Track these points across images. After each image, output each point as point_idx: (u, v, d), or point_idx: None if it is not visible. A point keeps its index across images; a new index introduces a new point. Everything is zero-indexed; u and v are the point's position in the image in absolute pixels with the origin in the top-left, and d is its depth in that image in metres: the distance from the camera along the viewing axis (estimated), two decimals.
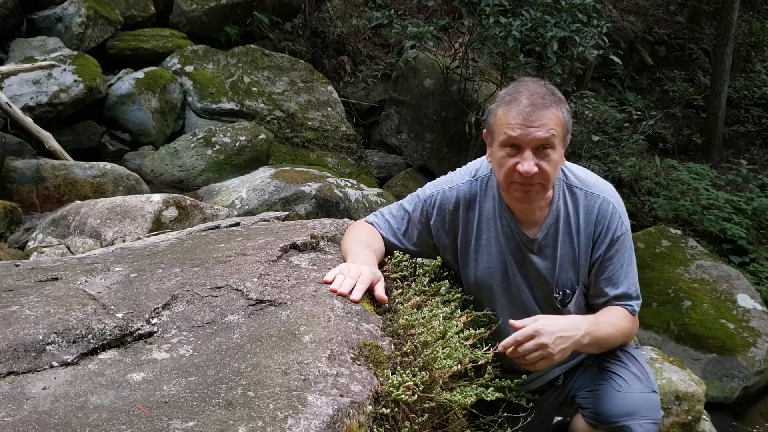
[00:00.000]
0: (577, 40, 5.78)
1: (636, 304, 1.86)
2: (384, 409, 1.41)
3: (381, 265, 1.90)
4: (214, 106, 6.50)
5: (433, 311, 1.73)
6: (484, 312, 1.90)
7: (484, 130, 1.85)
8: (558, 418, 2.23)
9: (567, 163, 1.89)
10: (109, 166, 4.58)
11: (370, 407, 1.39)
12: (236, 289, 1.68)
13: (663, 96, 10.12)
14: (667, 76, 10.30)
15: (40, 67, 5.44)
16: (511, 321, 1.69)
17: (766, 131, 9.66)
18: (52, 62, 5.53)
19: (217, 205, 4.27)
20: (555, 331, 1.64)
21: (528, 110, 1.68)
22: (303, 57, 7.48)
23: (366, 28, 8.14)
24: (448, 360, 1.57)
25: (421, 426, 1.50)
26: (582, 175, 1.89)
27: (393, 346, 1.60)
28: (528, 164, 1.69)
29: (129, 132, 6.05)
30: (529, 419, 1.76)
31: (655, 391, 1.85)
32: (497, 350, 1.65)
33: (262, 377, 1.35)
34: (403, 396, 1.45)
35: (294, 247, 1.97)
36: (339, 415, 1.30)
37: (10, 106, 5.00)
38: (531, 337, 1.62)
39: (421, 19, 7.73)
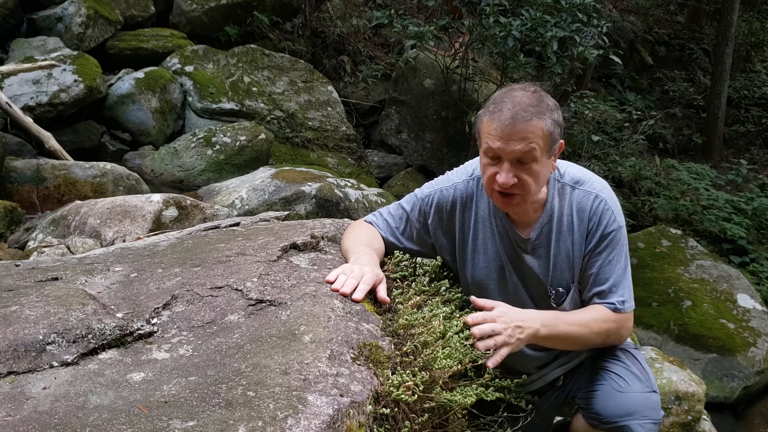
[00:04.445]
0: (577, 40, 5.78)
1: (618, 302, 1.80)
2: (384, 409, 1.41)
3: (381, 265, 1.90)
4: (214, 106, 6.51)
5: (433, 311, 1.73)
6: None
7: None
8: (558, 418, 2.22)
9: (562, 162, 1.88)
10: (109, 166, 4.58)
11: (370, 407, 1.39)
12: (236, 289, 1.68)
13: (663, 96, 10.12)
14: (667, 76, 10.30)
15: (40, 67, 5.44)
16: (473, 298, 1.73)
17: (766, 131, 9.67)
18: (52, 62, 5.53)
19: (217, 205, 4.28)
20: (512, 319, 1.67)
21: (507, 123, 1.67)
22: (303, 57, 7.48)
23: (366, 28, 8.15)
24: (448, 360, 1.57)
25: (421, 426, 1.50)
26: (577, 173, 1.88)
27: (393, 346, 1.60)
28: (505, 176, 1.69)
29: (129, 132, 6.05)
30: (529, 419, 1.76)
31: (655, 391, 1.85)
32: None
33: (262, 377, 1.35)
34: (403, 396, 1.45)
35: (294, 247, 1.97)
36: (339, 415, 1.30)
37: (11, 106, 5.00)
38: (485, 321, 1.66)
39: (421, 19, 7.74)
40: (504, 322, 1.66)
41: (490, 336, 1.63)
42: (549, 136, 1.71)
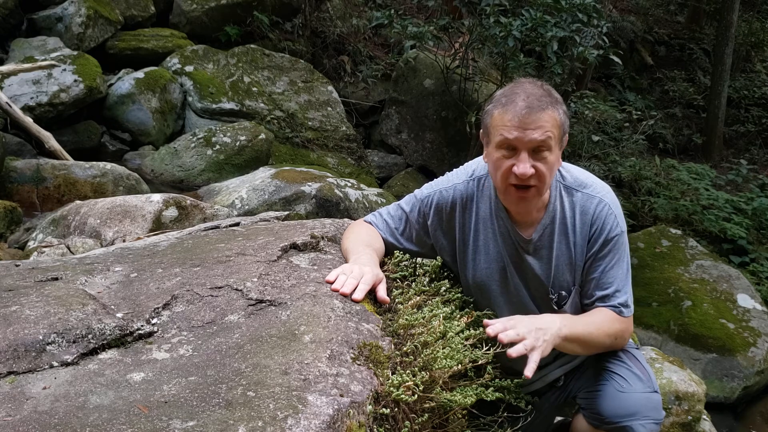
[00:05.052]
0: (577, 40, 5.78)
1: (622, 305, 1.82)
2: (384, 409, 1.41)
3: (381, 265, 1.90)
4: (214, 106, 6.51)
5: (433, 311, 1.73)
6: (484, 312, 1.90)
7: (481, 131, 1.85)
8: (559, 418, 2.23)
9: (564, 163, 1.89)
10: (109, 166, 4.58)
11: (370, 407, 1.39)
12: (236, 289, 1.68)
13: (663, 96, 10.12)
14: (667, 76, 10.30)
15: (40, 67, 5.44)
16: (486, 321, 1.68)
17: (766, 131, 9.67)
18: (52, 62, 5.53)
19: (217, 205, 4.27)
20: (532, 324, 1.64)
21: (524, 112, 1.68)
22: (303, 57, 7.48)
23: (366, 28, 8.15)
24: (448, 360, 1.57)
25: (421, 426, 1.50)
26: (579, 175, 1.89)
27: (393, 346, 1.60)
28: (524, 166, 1.69)
29: (129, 132, 6.05)
30: (529, 419, 1.76)
31: (656, 391, 1.85)
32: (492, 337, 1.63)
33: (262, 377, 1.35)
34: (403, 396, 1.45)
35: (294, 247, 1.97)
36: (339, 415, 1.30)
37: (11, 106, 5.00)
38: (506, 328, 1.62)
39: (421, 19, 7.74)
40: (525, 327, 1.63)
41: (517, 342, 1.60)
42: (561, 127, 1.74)
